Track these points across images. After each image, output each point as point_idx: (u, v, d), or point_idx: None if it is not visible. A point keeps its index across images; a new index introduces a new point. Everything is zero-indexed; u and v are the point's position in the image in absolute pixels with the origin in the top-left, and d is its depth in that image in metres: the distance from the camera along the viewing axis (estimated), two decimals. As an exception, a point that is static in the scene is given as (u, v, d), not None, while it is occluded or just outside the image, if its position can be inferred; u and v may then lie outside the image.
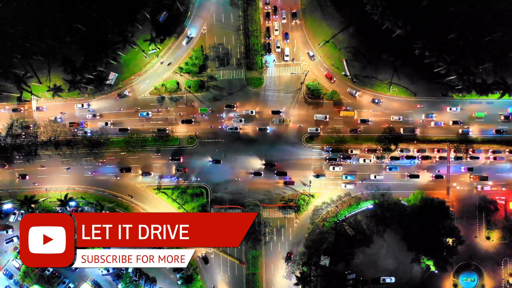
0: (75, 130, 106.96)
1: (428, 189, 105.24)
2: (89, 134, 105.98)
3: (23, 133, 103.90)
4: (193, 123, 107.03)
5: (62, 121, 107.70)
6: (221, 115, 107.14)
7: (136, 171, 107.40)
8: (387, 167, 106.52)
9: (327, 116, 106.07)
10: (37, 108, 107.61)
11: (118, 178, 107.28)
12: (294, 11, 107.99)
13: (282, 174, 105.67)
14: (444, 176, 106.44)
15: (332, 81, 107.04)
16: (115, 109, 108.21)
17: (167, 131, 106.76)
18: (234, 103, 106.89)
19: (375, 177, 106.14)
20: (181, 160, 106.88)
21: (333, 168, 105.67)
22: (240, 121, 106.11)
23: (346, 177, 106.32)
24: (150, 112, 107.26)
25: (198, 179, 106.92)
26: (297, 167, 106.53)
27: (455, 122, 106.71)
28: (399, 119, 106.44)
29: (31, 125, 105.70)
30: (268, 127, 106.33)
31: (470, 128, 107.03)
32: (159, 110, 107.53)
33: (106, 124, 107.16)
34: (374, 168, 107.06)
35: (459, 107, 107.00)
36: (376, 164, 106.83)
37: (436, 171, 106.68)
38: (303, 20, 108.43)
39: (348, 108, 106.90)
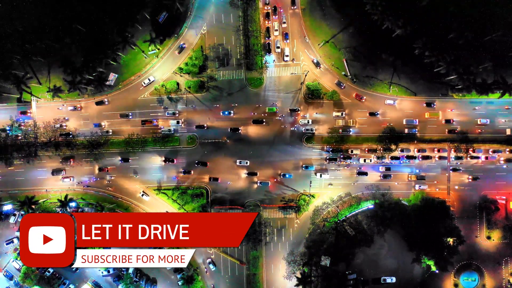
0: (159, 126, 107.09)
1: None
2: (172, 132, 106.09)
3: (24, 134, 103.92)
4: (264, 123, 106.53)
5: (132, 117, 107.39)
6: (299, 113, 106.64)
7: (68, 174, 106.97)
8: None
9: (417, 120, 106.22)
10: (99, 103, 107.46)
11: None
12: (312, 59, 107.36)
13: (203, 164, 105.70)
14: (387, 176, 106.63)
15: (363, 100, 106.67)
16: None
17: (240, 131, 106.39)
18: (298, 106, 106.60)
19: (320, 176, 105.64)
20: (71, 162, 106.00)
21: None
22: (308, 122, 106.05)
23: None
24: (232, 111, 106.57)
25: (112, 177, 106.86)
26: (297, 167, 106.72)
27: None
28: (487, 122, 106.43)
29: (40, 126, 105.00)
30: (351, 129, 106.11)
31: None
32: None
33: (178, 122, 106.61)
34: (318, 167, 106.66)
35: None
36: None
37: (359, 168, 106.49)
38: (303, 20, 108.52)
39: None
